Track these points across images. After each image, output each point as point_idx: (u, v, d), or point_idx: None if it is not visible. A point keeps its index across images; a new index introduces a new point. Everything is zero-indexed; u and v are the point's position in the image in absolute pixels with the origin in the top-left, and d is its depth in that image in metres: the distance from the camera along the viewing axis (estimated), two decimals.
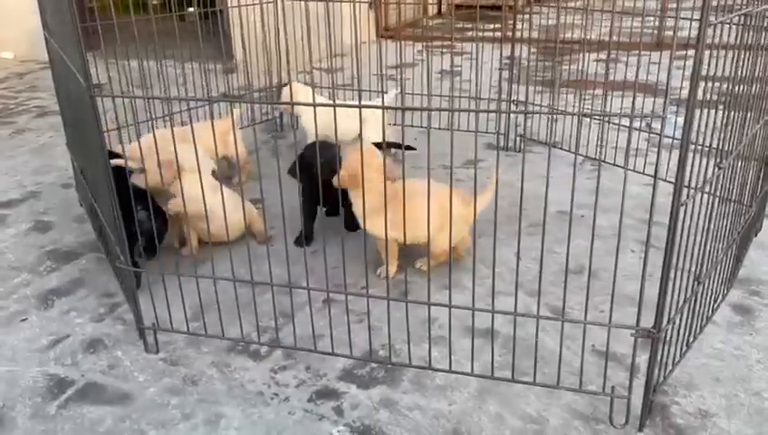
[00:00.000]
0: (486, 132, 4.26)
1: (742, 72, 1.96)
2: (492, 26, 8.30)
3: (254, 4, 4.09)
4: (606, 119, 3.68)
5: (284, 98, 3.91)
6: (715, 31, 1.68)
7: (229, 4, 5.46)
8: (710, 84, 1.93)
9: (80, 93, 2.12)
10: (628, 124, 1.72)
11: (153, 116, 3.33)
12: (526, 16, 6.40)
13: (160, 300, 2.31)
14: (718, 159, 1.98)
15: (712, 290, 2.34)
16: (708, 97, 1.92)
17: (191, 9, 4.82)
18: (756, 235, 3.10)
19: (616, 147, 3.63)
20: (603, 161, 3.87)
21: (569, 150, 3.94)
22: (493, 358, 2.10)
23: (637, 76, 1.74)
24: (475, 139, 1.84)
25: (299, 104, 2.09)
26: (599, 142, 3.62)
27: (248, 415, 2.04)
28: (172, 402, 2.10)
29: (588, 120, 3.99)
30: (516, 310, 2.00)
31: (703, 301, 2.24)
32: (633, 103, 1.72)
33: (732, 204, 2.30)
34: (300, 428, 1.99)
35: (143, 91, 2.04)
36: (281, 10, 4.15)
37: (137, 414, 2.05)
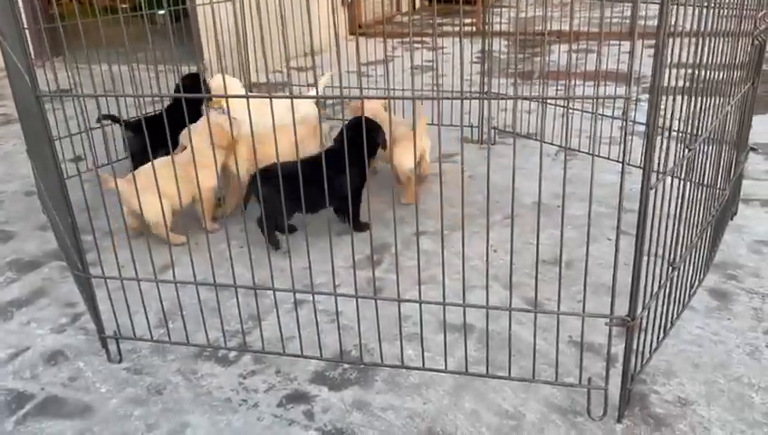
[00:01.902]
0: (451, 125, 4.20)
1: (707, 54, 1.92)
2: (461, 20, 8.28)
3: (217, 2, 4.01)
4: (570, 104, 3.64)
5: (215, 91, 3.73)
6: (677, 13, 1.64)
7: (196, 2, 5.38)
8: (680, 69, 1.89)
9: (26, 95, 2.04)
10: (594, 111, 1.66)
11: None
12: (501, 10, 6.38)
13: (124, 307, 2.22)
14: (687, 143, 1.94)
15: (688, 275, 2.31)
16: (676, 81, 1.87)
17: (162, 12, 4.73)
18: (732, 218, 3.08)
19: (591, 136, 3.60)
20: (578, 150, 3.84)
21: (543, 141, 3.90)
22: (466, 353, 2.04)
23: (598, 63, 1.69)
24: (438, 130, 1.79)
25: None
26: (563, 129, 3.58)
27: (215, 423, 1.96)
28: (135, 413, 2.01)
29: (563, 110, 3.96)
30: (488, 303, 1.95)
31: (679, 287, 2.20)
32: (596, 88, 1.67)
33: (705, 188, 2.26)
34: (269, 434, 1.92)
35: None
36: (249, 7, 4.07)
37: (98, 427, 1.96)
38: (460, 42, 1.58)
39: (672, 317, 2.22)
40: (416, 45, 7.36)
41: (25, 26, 2.53)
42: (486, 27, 4.06)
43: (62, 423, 1.99)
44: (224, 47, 3.87)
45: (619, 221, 1.71)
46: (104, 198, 2.13)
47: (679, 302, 2.27)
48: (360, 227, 2.94)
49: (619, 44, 5.07)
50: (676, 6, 1.62)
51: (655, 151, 1.65)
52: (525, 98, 1.64)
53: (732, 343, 2.24)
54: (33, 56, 2.00)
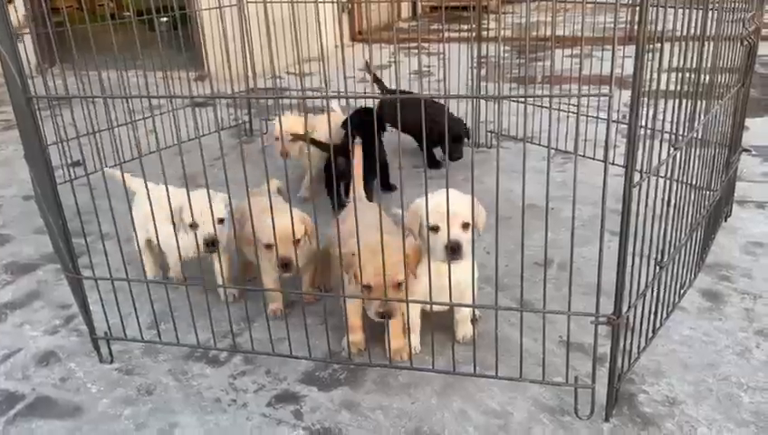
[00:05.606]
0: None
1: (692, 55, 1.93)
2: (460, 26, 8.30)
3: (215, 8, 4.04)
4: (562, 106, 3.66)
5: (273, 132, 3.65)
6: (656, 14, 1.66)
7: (195, 8, 5.43)
8: (666, 71, 1.90)
9: (19, 98, 2.06)
10: (578, 111, 1.68)
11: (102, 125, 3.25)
12: (501, 16, 6.42)
13: (116, 309, 2.24)
14: (674, 142, 1.94)
15: (678, 275, 2.31)
16: (657, 82, 1.88)
17: (164, 19, 4.77)
18: (726, 219, 3.08)
19: (585, 138, 3.61)
20: (576, 153, 3.85)
21: (539, 144, 3.91)
22: (454, 353, 2.05)
23: (581, 65, 1.70)
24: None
25: None
26: (562, 130, 3.59)
27: (204, 423, 1.97)
28: (125, 413, 2.02)
29: (558, 113, 3.97)
30: (475, 302, 1.95)
31: (667, 286, 2.20)
32: (579, 87, 1.68)
33: (694, 188, 2.26)
34: (257, 433, 1.93)
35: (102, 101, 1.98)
36: (249, 14, 4.10)
37: (88, 427, 1.98)
38: (447, 47, 1.60)
39: (661, 317, 2.22)
40: (414, 51, 7.40)
41: (26, 32, 2.56)
42: (483, 33, 4.08)
43: (51, 423, 2.00)
44: (223, 53, 3.90)
45: (603, 220, 1.72)
46: (95, 202, 2.14)
47: (669, 302, 2.27)
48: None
49: (614, 49, 5.08)
50: (656, 8, 1.64)
51: (638, 150, 1.66)
52: (509, 97, 1.65)
53: (722, 344, 2.24)
54: (39, 61, 2.03)
